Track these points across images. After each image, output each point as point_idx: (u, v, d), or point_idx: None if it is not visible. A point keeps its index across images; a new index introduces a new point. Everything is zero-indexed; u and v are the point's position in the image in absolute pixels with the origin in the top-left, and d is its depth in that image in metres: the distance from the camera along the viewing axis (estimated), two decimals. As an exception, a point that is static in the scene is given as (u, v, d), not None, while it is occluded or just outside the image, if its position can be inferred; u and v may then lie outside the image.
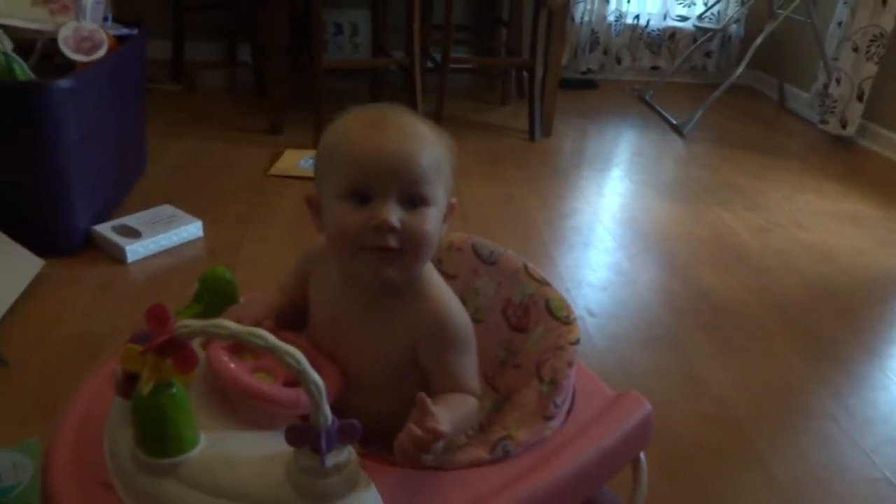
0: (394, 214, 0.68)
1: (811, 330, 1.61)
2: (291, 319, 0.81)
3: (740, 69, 2.96)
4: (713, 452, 1.21)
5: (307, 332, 0.80)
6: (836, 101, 2.89)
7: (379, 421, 0.68)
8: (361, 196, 0.69)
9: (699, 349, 1.51)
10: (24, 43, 1.67)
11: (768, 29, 2.93)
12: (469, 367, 0.76)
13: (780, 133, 3.11)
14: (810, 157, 2.81)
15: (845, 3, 2.94)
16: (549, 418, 0.74)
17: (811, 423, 1.32)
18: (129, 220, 1.76)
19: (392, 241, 0.68)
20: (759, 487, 1.15)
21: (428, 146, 0.71)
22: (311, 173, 2.46)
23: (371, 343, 0.75)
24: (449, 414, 0.68)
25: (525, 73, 2.94)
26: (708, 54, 3.71)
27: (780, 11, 2.91)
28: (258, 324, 0.73)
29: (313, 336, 0.80)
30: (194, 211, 1.84)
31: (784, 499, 1.13)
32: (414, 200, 0.70)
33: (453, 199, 0.75)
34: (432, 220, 0.70)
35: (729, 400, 1.35)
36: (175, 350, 0.57)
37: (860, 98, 2.81)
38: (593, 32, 3.61)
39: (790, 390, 1.40)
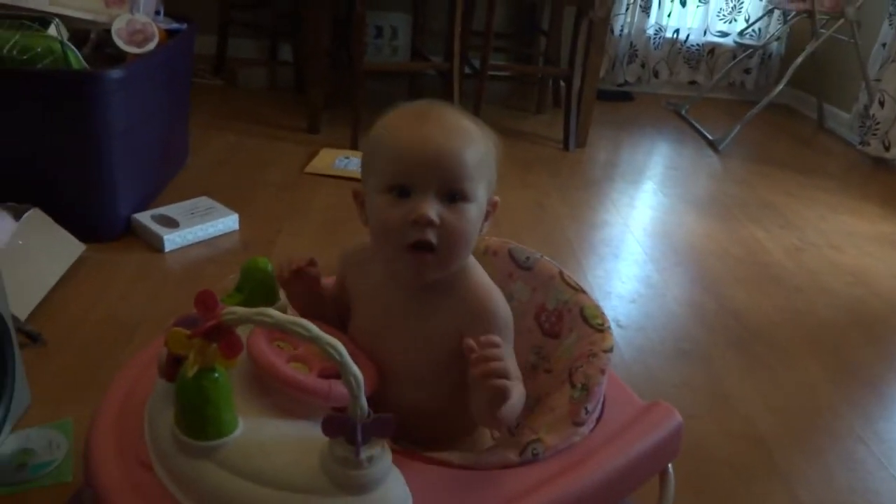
0: (432, 209, 0.69)
1: (842, 352, 1.59)
2: (331, 316, 0.82)
3: (779, 87, 2.93)
4: (738, 470, 1.21)
5: (348, 331, 0.81)
6: (878, 123, 2.85)
7: (416, 417, 0.69)
8: (402, 190, 0.70)
9: (727, 366, 1.50)
10: (79, 32, 1.72)
11: (810, 48, 2.90)
12: (511, 355, 0.76)
13: (817, 152, 3.08)
14: (848, 177, 2.77)
15: (890, 24, 2.90)
16: (579, 424, 0.75)
17: (839, 445, 1.30)
18: (168, 210, 1.79)
19: (430, 236, 0.69)
20: (783, 508, 1.14)
21: (471, 141, 0.71)
22: (345, 173, 2.48)
23: (415, 338, 0.76)
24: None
25: (562, 83, 2.95)
26: (747, 71, 3.68)
27: (822, 31, 2.88)
28: (312, 262, 0.79)
29: (355, 333, 0.81)
30: (231, 204, 1.87)
31: (808, 521, 1.12)
32: (454, 196, 0.70)
33: (496, 197, 0.75)
34: (471, 217, 0.71)
35: (756, 418, 1.34)
36: (221, 336, 0.59)
37: (904, 121, 2.77)
38: (632, 45, 3.60)
39: (818, 412, 1.39)
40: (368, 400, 0.59)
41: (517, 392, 0.69)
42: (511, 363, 0.76)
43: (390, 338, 0.78)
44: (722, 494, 1.15)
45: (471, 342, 0.68)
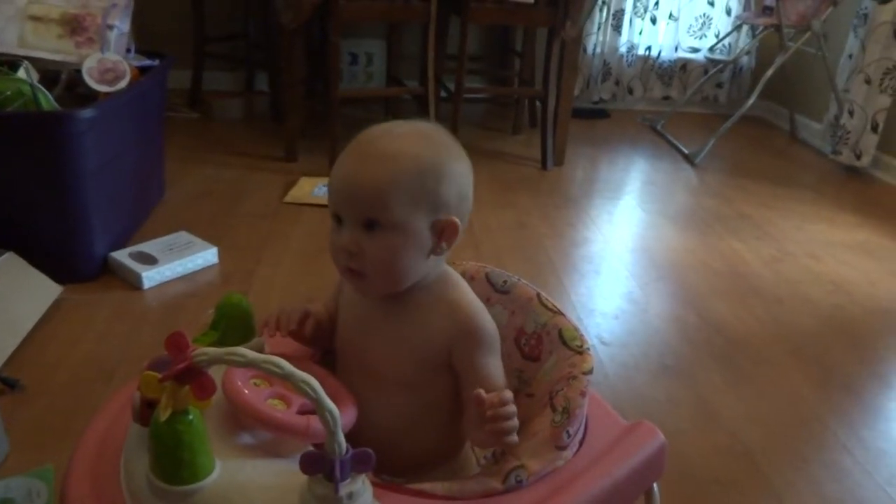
0: (347, 237, 0.73)
1: (824, 361, 1.60)
2: (330, 334, 0.84)
3: (751, 100, 2.98)
4: (726, 484, 1.20)
5: (338, 343, 0.83)
6: (849, 133, 2.89)
7: (398, 432, 0.70)
8: (337, 218, 0.74)
9: (711, 379, 1.50)
10: (50, 73, 1.72)
11: (779, 61, 2.95)
12: (499, 367, 0.78)
13: (791, 163, 3.12)
14: (823, 187, 2.81)
15: (856, 36, 2.96)
16: (561, 448, 0.74)
17: (825, 455, 1.30)
18: (146, 246, 1.78)
19: (350, 263, 0.73)
20: (773, 521, 1.14)
21: (391, 170, 0.71)
22: (324, 201, 2.48)
23: (400, 346, 0.78)
24: None
25: (538, 103, 2.97)
26: (719, 85, 3.73)
27: (790, 44, 2.93)
28: (305, 318, 0.79)
29: (342, 346, 0.83)
30: (210, 237, 1.86)
31: (798, 533, 1.12)
32: (371, 223, 0.72)
33: (452, 218, 0.74)
34: (392, 244, 0.72)
35: (741, 431, 1.34)
36: (193, 377, 0.58)
37: (874, 129, 2.82)
38: (605, 63, 3.65)
39: (803, 422, 1.39)
40: (349, 434, 0.58)
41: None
42: (500, 375, 0.78)
43: (372, 345, 0.79)
44: (711, 510, 1.15)
45: (482, 395, 0.69)
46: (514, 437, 0.70)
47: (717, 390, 1.47)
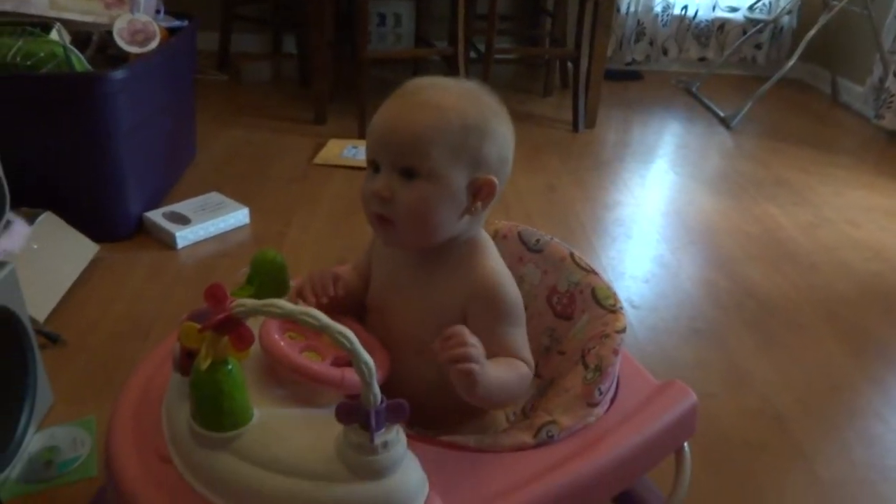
0: (381, 183, 0.71)
1: (859, 328, 1.58)
2: (361, 295, 0.84)
3: (792, 62, 2.89)
4: (755, 448, 1.20)
5: (369, 299, 0.83)
6: (893, 96, 2.80)
7: (427, 393, 0.70)
8: (374, 165, 0.73)
9: (742, 344, 1.49)
10: (81, 35, 1.73)
11: (822, 20, 2.86)
12: (519, 338, 0.77)
13: (831, 127, 3.04)
14: (863, 152, 2.74)
15: (903, -8, 2.85)
16: (593, 405, 0.75)
17: (857, 421, 1.29)
18: (179, 206, 1.80)
19: (381, 210, 0.72)
20: (801, 484, 1.14)
21: (438, 119, 0.70)
22: (353, 162, 2.48)
23: (420, 307, 0.77)
24: (492, 364, 0.69)
25: (569, 64, 2.92)
26: (758, 46, 3.63)
27: (835, 3, 2.84)
28: (336, 279, 0.79)
29: (372, 303, 0.83)
30: (241, 198, 1.88)
31: (827, 496, 1.11)
32: (409, 172, 0.71)
33: (489, 177, 0.73)
34: (427, 195, 0.71)
35: (772, 396, 1.33)
36: (231, 328, 0.59)
37: (918, 92, 2.73)
38: (639, 23, 3.57)
39: (836, 388, 1.38)
40: (382, 385, 0.59)
41: (495, 373, 0.69)
42: (521, 346, 0.76)
43: (400, 304, 0.79)
44: (739, 472, 1.15)
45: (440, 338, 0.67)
46: (471, 367, 0.65)
47: (748, 354, 1.46)
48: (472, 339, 0.67)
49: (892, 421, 1.29)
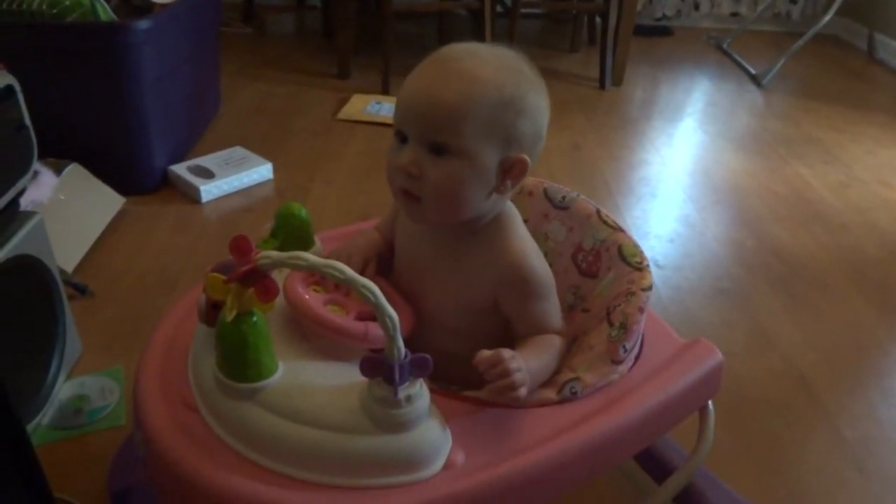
0: (409, 157, 0.68)
1: (888, 289, 1.56)
2: (388, 260, 0.83)
3: (828, 17, 2.80)
4: (779, 407, 1.20)
5: (393, 270, 0.82)
6: (930, 51, 2.71)
7: (451, 361, 0.70)
8: (402, 136, 0.70)
9: (767, 304, 1.48)
10: (106, -16, 1.71)
11: (860, -28, 2.75)
12: (549, 310, 0.76)
13: (867, 85, 2.95)
14: (899, 110, 2.66)
15: (948, -57, 2.73)
16: (617, 362, 0.74)
17: (883, 381, 1.28)
18: (203, 160, 1.80)
19: (406, 184, 0.69)
20: (825, 443, 1.13)
21: (473, 94, 0.67)
22: (377, 118, 2.46)
23: (447, 284, 0.76)
24: (529, 355, 0.70)
25: (597, 19, 2.86)
26: (793, 0, 3.52)
27: (874, -47, 2.73)
28: (366, 263, 0.78)
29: (396, 274, 0.81)
30: (264, 153, 1.87)
31: (851, 455, 1.11)
32: (438, 147, 0.68)
33: (522, 156, 0.70)
34: (457, 173, 0.68)
35: (797, 356, 1.32)
36: (256, 280, 0.59)
37: (958, 47, 2.63)
38: (670, -24, 3.47)
39: (862, 348, 1.36)
40: (407, 343, 0.59)
41: (536, 366, 0.70)
42: (551, 316, 0.76)
43: (424, 282, 0.78)
44: (762, 432, 1.15)
45: (481, 356, 0.66)
46: (519, 393, 0.65)
47: (773, 314, 1.44)
48: (515, 364, 0.66)
49: (918, 384, 1.28)
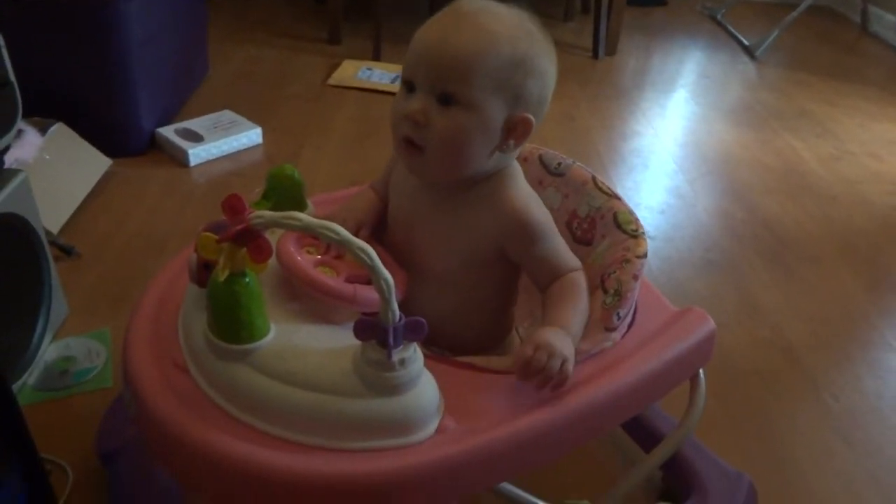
0: (416, 106, 0.68)
1: (876, 262, 1.57)
2: (380, 217, 0.83)
3: (822, -12, 2.78)
4: (766, 376, 1.21)
5: (387, 229, 0.82)
6: (924, 25, 2.70)
7: (445, 321, 0.69)
8: (409, 85, 0.70)
9: (757, 275, 1.48)
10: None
11: (858, -56, 2.73)
12: (558, 248, 0.76)
13: (859, 58, 2.94)
14: (891, 84, 2.65)
15: (947, -84, 2.70)
16: (611, 329, 0.74)
17: (869, 353, 1.29)
18: (191, 123, 1.78)
19: (411, 133, 0.69)
20: (812, 414, 1.14)
21: (485, 46, 0.67)
22: (368, 84, 2.43)
23: (447, 239, 0.76)
24: (563, 312, 0.71)
25: (591, -13, 2.81)
26: (788, -29, 3.48)
27: (872, -76, 2.70)
28: (360, 227, 0.77)
29: (391, 233, 0.81)
30: (253, 117, 1.85)
31: (837, 425, 1.12)
32: (447, 98, 0.68)
33: (527, 115, 0.70)
34: (464, 124, 0.68)
35: (785, 327, 1.33)
36: (249, 240, 0.58)
37: (952, 22, 2.62)
38: (666, -55, 3.41)
39: (849, 320, 1.38)
40: (400, 305, 0.59)
41: (577, 330, 0.71)
42: (563, 254, 0.76)
43: (420, 236, 0.77)
44: (749, 401, 1.16)
45: (517, 361, 0.65)
46: (563, 376, 0.65)
47: (762, 286, 1.45)
48: (543, 355, 0.64)
49: (903, 355, 1.29)
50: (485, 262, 0.76)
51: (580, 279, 0.75)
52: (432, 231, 0.76)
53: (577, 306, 0.72)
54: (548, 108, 0.74)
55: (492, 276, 0.77)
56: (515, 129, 0.70)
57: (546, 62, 0.71)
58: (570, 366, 0.66)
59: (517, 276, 0.81)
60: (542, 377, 0.65)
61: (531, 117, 0.70)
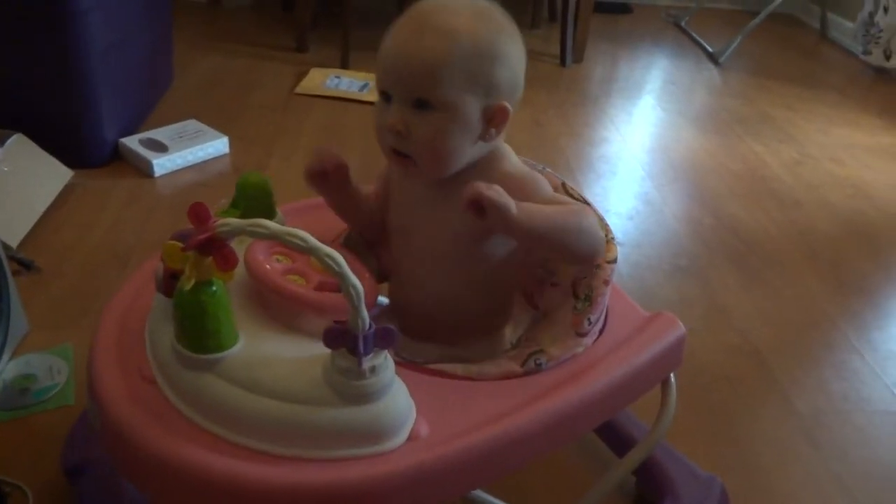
0: (395, 116, 0.69)
1: (840, 264, 1.59)
2: (378, 218, 0.84)
3: (782, -4, 2.84)
4: (734, 381, 1.22)
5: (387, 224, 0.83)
6: (881, 31, 2.77)
7: (445, 302, 0.71)
8: (385, 95, 0.71)
9: (724, 280, 1.50)
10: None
11: (815, -46, 2.79)
12: (561, 198, 0.77)
13: (819, 64, 3.01)
14: (849, 89, 2.72)
15: (899, -73, 2.78)
16: (582, 335, 0.74)
17: (834, 355, 1.32)
18: (156, 133, 1.75)
19: (396, 144, 0.71)
20: (778, 416, 1.16)
21: (448, 46, 0.68)
22: (336, 93, 2.41)
23: (444, 222, 0.76)
24: (541, 209, 0.71)
25: (558, -4, 2.84)
26: (748, -20, 3.55)
27: (828, -65, 2.77)
28: (341, 163, 0.76)
29: (393, 218, 0.82)
30: (220, 127, 1.82)
31: (803, 427, 1.14)
32: (421, 103, 0.69)
33: (502, 103, 0.71)
34: (441, 126, 0.69)
35: (752, 331, 1.35)
36: (215, 248, 0.57)
37: (908, 29, 2.69)
38: (630, -46, 3.46)
39: (815, 323, 1.40)
40: (401, 287, 0.58)
41: (531, 205, 0.69)
42: (567, 200, 0.77)
43: (421, 223, 0.78)
44: (716, 405, 1.17)
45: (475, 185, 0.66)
46: (498, 206, 0.65)
47: (729, 291, 1.47)
48: (494, 193, 0.65)
49: (866, 355, 1.31)
50: (480, 241, 0.76)
51: (582, 207, 0.76)
52: (431, 220, 0.77)
53: (552, 209, 0.72)
54: (523, 88, 0.75)
55: (487, 254, 0.78)
56: (494, 118, 0.72)
57: (510, 46, 0.72)
58: (509, 214, 0.66)
59: (515, 254, 0.80)
60: (482, 198, 0.65)
61: (507, 104, 0.72)
